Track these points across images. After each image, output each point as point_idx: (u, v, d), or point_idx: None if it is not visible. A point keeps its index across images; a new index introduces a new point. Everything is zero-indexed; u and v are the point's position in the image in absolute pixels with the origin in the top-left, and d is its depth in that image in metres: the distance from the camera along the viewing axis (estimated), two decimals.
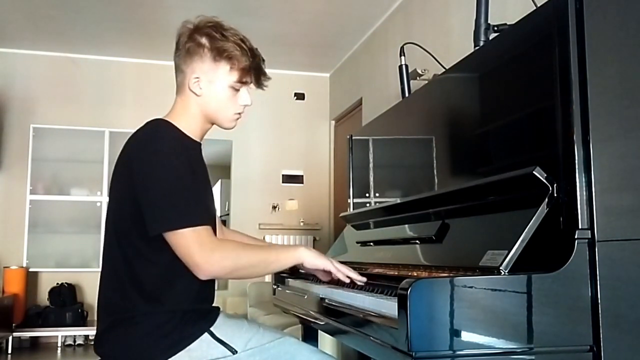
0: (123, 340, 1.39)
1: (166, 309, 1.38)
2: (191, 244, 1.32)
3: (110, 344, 1.41)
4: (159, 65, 5.50)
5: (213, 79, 1.46)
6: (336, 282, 1.58)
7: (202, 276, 1.35)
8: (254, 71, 1.49)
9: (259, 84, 1.52)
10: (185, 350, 1.37)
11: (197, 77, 1.45)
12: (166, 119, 1.48)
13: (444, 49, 3.01)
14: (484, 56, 1.64)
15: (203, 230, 1.35)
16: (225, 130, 1.58)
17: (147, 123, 1.46)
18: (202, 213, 1.39)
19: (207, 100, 1.48)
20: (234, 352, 1.41)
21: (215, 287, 1.55)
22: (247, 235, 1.88)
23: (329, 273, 1.54)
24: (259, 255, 1.46)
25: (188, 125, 1.48)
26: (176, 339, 1.37)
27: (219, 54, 1.44)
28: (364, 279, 1.53)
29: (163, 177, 1.36)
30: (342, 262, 1.55)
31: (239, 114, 1.53)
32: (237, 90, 1.49)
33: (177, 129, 1.46)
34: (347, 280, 1.52)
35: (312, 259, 1.48)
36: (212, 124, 1.54)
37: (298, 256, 1.48)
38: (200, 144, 1.53)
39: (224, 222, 6.01)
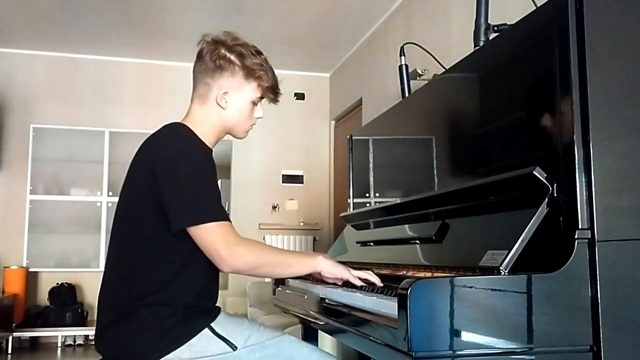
0: (125, 335, 1.41)
1: (168, 305, 1.40)
2: (216, 238, 1.37)
3: (112, 340, 1.44)
4: (159, 65, 5.51)
5: (240, 94, 1.56)
6: (347, 284, 1.58)
7: (226, 269, 1.39)
8: (274, 89, 1.61)
9: (276, 100, 1.63)
10: (186, 345, 1.39)
11: (226, 92, 1.54)
12: (184, 123, 1.54)
13: (444, 49, 3.01)
14: (484, 56, 1.64)
15: (227, 226, 1.40)
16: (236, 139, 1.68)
17: (167, 125, 1.52)
18: (223, 209, 1.44)
19: (230, 113, 1.56)
20: (234, 348, 1.43)
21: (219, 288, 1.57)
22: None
23: (345, 280, 1.56)
24: (280, 256, 1.52)
25: (205, 132, 1.54)
26: (177, 334, 1.39)
27: (250, 73, 1.54)
28: (381, 284, 1.53)
29: (187, 174, 1.41)
30: (342, 263, 1.55)
31: (253, 125, 1.64)
32: (256, 104, 1.60)
33: (195, 133, 1.51)
34: (359, 283, 1.53)
35: (330, 268, 1.53)
36: (227, 133, 1.63)
37: (316, 264, 1.53)
38: (212, 151, 1.58)
39: None
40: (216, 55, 1.53)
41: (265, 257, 1.46)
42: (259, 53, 1.58)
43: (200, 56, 1.56)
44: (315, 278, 1.68)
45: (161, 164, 1.42)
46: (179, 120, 1.56)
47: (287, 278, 2.09)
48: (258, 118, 1.62)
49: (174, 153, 1.43)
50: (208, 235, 1.37)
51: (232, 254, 1.37)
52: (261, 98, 1.60)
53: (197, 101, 1.57)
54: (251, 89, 1.56)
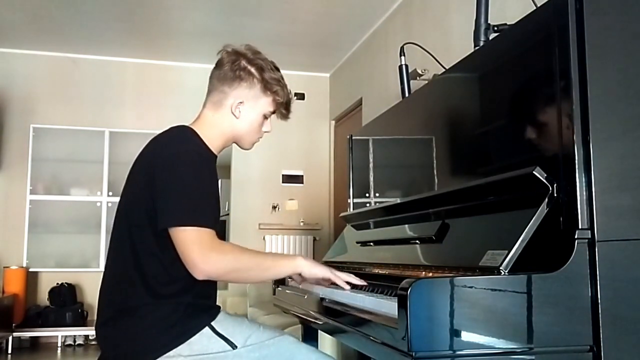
0: (125, 331, 1.42)
1: (169, 303, 1.41)
2: (190, 242, 1.36)
3: (113, 336, 1.45)
4: (159, 65, 5.50)
5: (255, 106, 1.60)
6: (332, 285, 1.59)
7: (198, 275, 1.37)
8: (287, 105, 1.65)
9: (287, 117, 1.67)
10: (186, 344, 1.40)
11: (241, 102, 1.58)
12: (192, 127, 1.56)
13: (444, 49, 3.01)
14: (484, 56, 1.64)
15: (206, 232, 1.38)
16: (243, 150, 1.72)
17: (174, 127, 1.54)
18: (210, 216, 1.42)
19: (242, 124, 1.60)
20: (234, 347, 1.44)
21: (217, 287, 1.58)
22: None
23: (327, 280, 1.56)
24: (255, 260, 1.49)
25: (212, 138, 1.56)
26: (178, 331, 1.40)
27: (268, 86, 1.59)
28: (364, 283, 1.53)
29: (181, 175, 1.42)
30: (342, 262, 1.55)
31: (260, 138, 1.68)
32: (267, 118, 1.64)
33: (201, 138, 1.52)
34: (347, 287, 1.54)
35: (310, 268, 1.52)
36: (234, 142, 1.65)
37: (295, 265, 1.52)
38: (216, 157, 1.59)
39: (224, 222, 6.01)
40: (237, 65, 1.56)
41: (239, 261, 1.43)
42: (277, 69, 1.62)
43: (219, 64, 1.59)
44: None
45: (160, 164, 1.44)
46: (184, 122, 1.58)
47: (266, 281, 2.08)
48: (265, 132, 1.66)
49: (174, 154, 1.44)
50: (183, 239, 1.36)
51: (204, 260, 1.35)
52: (272, 112, 1.63)
53: (210, 106, 1.60)
54: (266, 103, 1.60)
